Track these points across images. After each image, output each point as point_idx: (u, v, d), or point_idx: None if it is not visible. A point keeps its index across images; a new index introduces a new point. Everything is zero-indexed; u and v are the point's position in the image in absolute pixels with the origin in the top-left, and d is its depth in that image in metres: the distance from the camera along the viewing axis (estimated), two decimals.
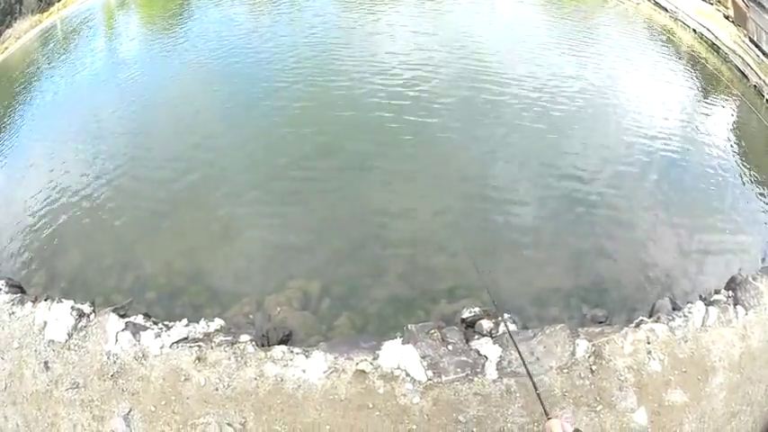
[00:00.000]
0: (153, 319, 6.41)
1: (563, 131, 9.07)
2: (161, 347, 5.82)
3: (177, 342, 5.81)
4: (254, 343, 5.42)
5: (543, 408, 1.64)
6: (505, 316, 5.28)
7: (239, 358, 5.31)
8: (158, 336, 5.99)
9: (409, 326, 5.39)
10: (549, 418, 1.67)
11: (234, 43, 13.62)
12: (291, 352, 5.26)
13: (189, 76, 12.23)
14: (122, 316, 6.31)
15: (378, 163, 8.48)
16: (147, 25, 16.75)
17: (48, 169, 9.93)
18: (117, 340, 6.06)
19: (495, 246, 6.55)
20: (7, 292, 7.85)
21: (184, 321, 6.13)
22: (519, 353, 2.04)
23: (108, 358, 5.96)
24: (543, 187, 7.91)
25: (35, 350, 6.45)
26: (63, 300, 6.66)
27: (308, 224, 7.41)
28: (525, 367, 1.81)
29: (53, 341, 6.33)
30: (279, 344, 5.54)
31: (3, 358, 6.56)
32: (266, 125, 9.87)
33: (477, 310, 5.28)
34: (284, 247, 7.12)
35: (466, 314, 5.32)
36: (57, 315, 6.50)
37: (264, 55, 12.68)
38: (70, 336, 6.32)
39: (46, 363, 6.28)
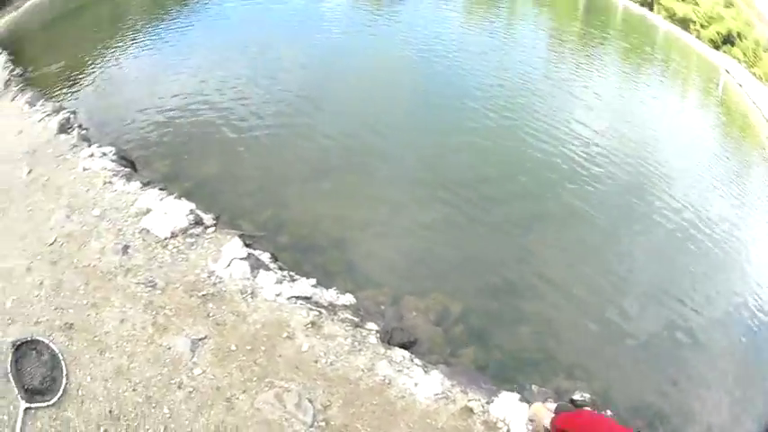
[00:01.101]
0: (280, 263, 6.49)
1: None
2: (277, 294, 5.78)
3: (297, 298, 5.63)
4: (378, 335, 5.36)
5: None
6: (608, 413, 5.50)
7: (356, 343, 5.26)
8: (279, 282, 5.95)
9: (534, 386, 5.47)
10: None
11: (446, 44, 14.63)
12: (412, 361, 5.20)
13: (394, 61, 13.11)
14: (247, 245, 6.38)
15: (564, 217, 8.76)
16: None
17: (217, 80, 11.56)
18: (229, 265, 6.05)
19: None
20: (113, 161, 7.57)
21: (313, 281, 6.07)
22: None
23: (208, 277, 6.00)
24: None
25: (118, 229, 6.95)
26: (183, 199, 7.06)
27: (469, 246, 7.63)
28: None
29: (148, 231, 6.74)
30: (400, 346, 5.42)
31: (70, 217, 6.44)
32: (457, 131, 10.30)
33: (587, 396, 5.55)
34: (437, 257, 7.28)
35: (577, 396, 5.54)
36: (168, 209, 6.70)
37: (473, 65, 13.48)
38: (173, 236, 6.50)
39: (126, 247, 6.24)
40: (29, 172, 8.55)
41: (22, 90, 12.85)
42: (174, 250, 6.34)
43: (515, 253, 7.44)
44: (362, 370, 4.99)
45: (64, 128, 9.10)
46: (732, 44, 42.44)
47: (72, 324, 5.57)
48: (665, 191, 10.05)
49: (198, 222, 6.70)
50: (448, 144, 9.93)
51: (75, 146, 8.56)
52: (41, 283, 6.14)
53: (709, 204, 10.38)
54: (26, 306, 5.96)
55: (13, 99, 12.47)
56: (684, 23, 43.49)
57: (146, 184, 7.43)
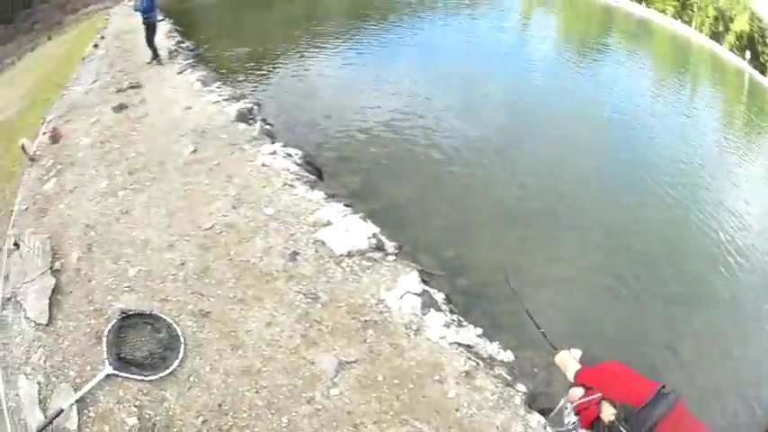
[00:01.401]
0: (452, 306, 8.53)
1: None
2: (441, 337, 7.59)
3: (460, 344, 7.45)
4: (524, 397, 7.10)
5: (550, 343, 2.53)
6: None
7: (501, 401, 6.96)
8: (447, 325, 7.78)
9: None
10: (558, 350, 2.51)
11: (635, 110, 21.86)
12: (545, 429, 6.79)
13: (587, 120, 19.75)
14: (424, 281, 8.40)
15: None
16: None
17: (419, 104, 17.72)
18: (401, 297, 8.01)
19: None
20: (298, 164, 11.37)
21: (479, 330, 8.00)
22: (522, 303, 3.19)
23: (376, 304, 8.02)
24: None
25: (290, 234, 9.44)
26: (368, 220, 9.61)
27: (634, 323, 10.57)
28: (526, 311, 2.91)
29: (323, 244, 8.93)
30: (539, 411, 7.05)
31: (237, 209, 10.29)
32: (639, 204, 15.04)
33: None
34: (601, 330, 9.63)
35: None
36: (350, 227, 9.05)
37: (657, 136, 19.98)
38: (350, 255, 8.76)
39: (295, 253, 8.65)
40: (193, 151, 11.23)
41: (193, 66, 18.10)
42: (348, 269, 8.34)
43: (669, 336, 10.08)
44: (497, 427, 6.62)
45: (244, 117, 12.47)
46: None
47: (208, 313, 7.44)
48: None
49: (379, 247, 8.69)
50: (631, 214, 13.94)
51: (255, 139, 11.22)
52: (183, 264, 8.31)
53: None
54: (155, 281, 8.05)
55: (180, 72, 17.38)
56: None
57: (330, 196, 9.63)
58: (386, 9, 30.38)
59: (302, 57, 19.59)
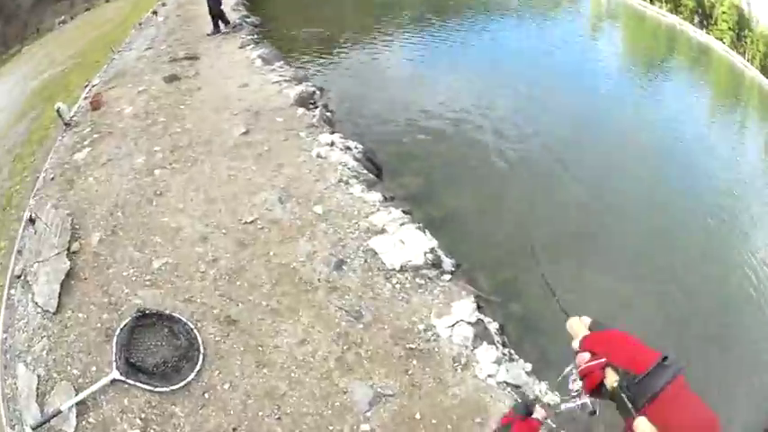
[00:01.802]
0: (505, 338, 8.30)
1: None
2: (490, 375, 7.35)
3: (508, 384, 7.29)
4: None
5: (562, 309, 2.55)
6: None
7: None
8: (498, 362, 7.57)
9: None
10: (569, 317, 2.43)
11: (683, 136, 22.50)
12: None
13: (642, 142, 20.28)
14: (479, 308, 8.22)
15: None
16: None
17: (488, 108, 17.65)
18: (453, 326, 7.82)
19: None
20: (356, 159, 10.92)
21: (529, 366, 7.80)
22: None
23: (425, 330, 7.77)
24: None
25: (339, 238, 9.12)
26: (427, 232, 9.33)
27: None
28: (542, 275, 2.79)
29: (375, 254, 8.67)
30: None
31: (284, 203, 10.02)
32: (684, 231, 15.66)
33: None
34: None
35: None
36: (407, 238, 8.74)
37: (703, 163, 20.98)
38: (402, 270, 8.47)
39: (341, 262, 8.24)
40: (244, 132, 11.14)
41: (256, 42, 17.87)
42: (398, 286, 8.01)
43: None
44: None
45: (305, 101, 12.20)
46: None
47: (236, 321, 7.22)
48: None
49: (435, 264, 8.35)
50: (677, 242, 14.53)
51: (313, 126, 11.04)
52: (214, 260, 8.08)
53: None
54: (181, 277, 7.87)
55: (241, 47, 17.32)
56: None
57: (388, 200, 9.38)
58: (460, 5, 31.49)
59: (372, 46, 19.40)
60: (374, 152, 11.97)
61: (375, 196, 9.58)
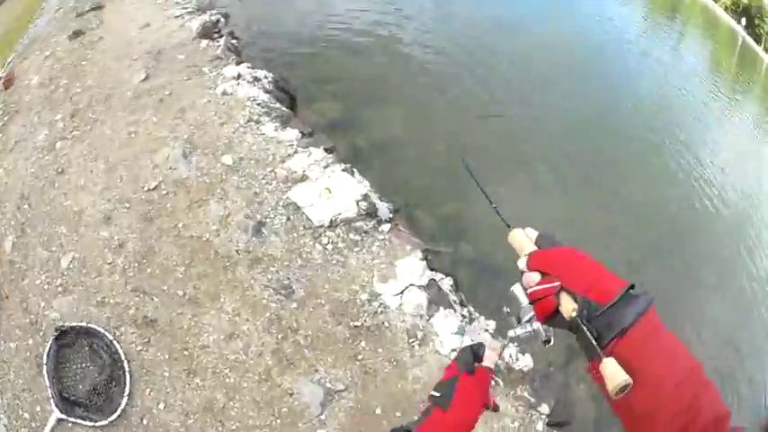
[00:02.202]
0: (462, 294, 6.61)
1: None
2: (453, 350, 5.70)
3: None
4: (547, 419, 5.88)
5: (503, 220, 1.65)
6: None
7: (523, 428, 5.63)
8: (460, 331, 5.94)
9: None
10: (511, 228, 1.58)
11: None
12: None
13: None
14: (430, 267, 6.40)
15: None
16: None
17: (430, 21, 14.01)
18: (401, 293, 5.94)
19: None
20: (267, 91, 7.89)
21: (492, 324, 6.33)
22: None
23: (369, 301, 5.81)
24: None
25: (254, 193, 6.68)
26: (356, 172, 7.02)
27: None
28: (477, 183, 1.89)
29: (297, 209, 6.44)
30: (556, 425, 6.05)
31: (189, 157, 7.33)
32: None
33: None
34: None
35: None
36: (334, 184, 6.64)
37: None
38: (333, 225, 6.30)
39: (261, 224, 6.21)
40: (144, 78, 8.69)
41: None
42: (330, 247, 5.94)
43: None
44: None
45: (208, 31, 9.32)
46: None
47: (154, 321, 5.42)
48: None
49: (370, 213, 6.22)
50: (611, 154, 12.68)
51: (218, 58, 8.59)
52: (121, 246, 6.08)
53: None
54: (89, 273, 6.01)
55: None
56: None
57: (306, 135, 7.10)
58: None
59: None
60: (286, 79, 9.22)
61: (291, 134, 7.24)
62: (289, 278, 5.57)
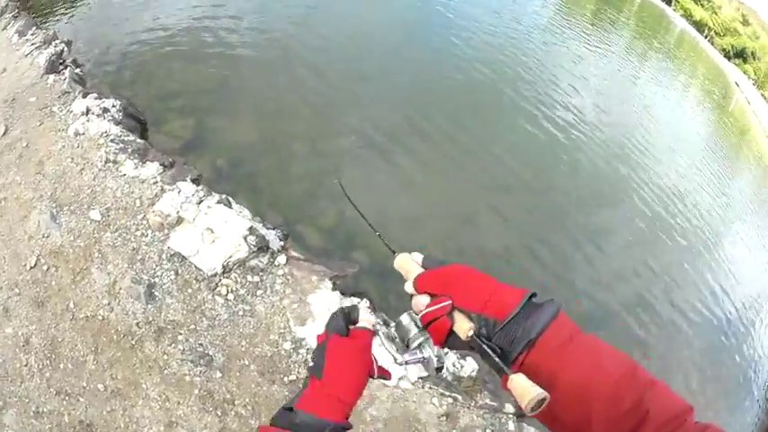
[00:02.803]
0: (385, 317, 4.88)
1: None
2: (400, 378, 4.10)
3: (423, 379, 4.28)
4: (515, 417, 4.70)
5: (387, 246, 1.23)
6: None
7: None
8: (402, 360, 3.89)
9: None
10: (396, 254, 1.16)
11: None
12: None
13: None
14: (341, 292, 4.66)
15: None
16: None
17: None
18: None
19: None
20: (118, 122, 5.47)
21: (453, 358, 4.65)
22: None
23: (294, 348, 4.17)
24: None
25: (133, 249, 4.61)
26: (232, 202, 5.10)
27: None
28: (358, 210, 1.40)
29: (183, 259, 4.46)
30: None
31: (57, 218, 5.26)
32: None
33: None
34: None
35: None
36: (214, 221, 4.67)
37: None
38: (226, 270, 4.45)
39: (151, 286, 4.52)
40: (4, 132, 6.70)
41: (16, 17, 11.06)
42: (231, 297, 4.17)
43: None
44: None
45: (54, 65, 6.87)
46: (744, 60, 53.54)
47: (90, 425, 3.80)
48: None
49: (261, 248, 4.42)
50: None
51: (65, 93, 6.21)
52: (27, 342, 4.38)
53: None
54: (12, 379, 4.20)
55: (4, 28, 10.74)
56: (700, 27, 53.73)
57: (168, 167, 5.01)
58: None
59: None
60: (133, 104, 6.71)
61: (152, 169, 5.25)
62: (201, 344, 4.00)
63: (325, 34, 10.72)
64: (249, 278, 4.26)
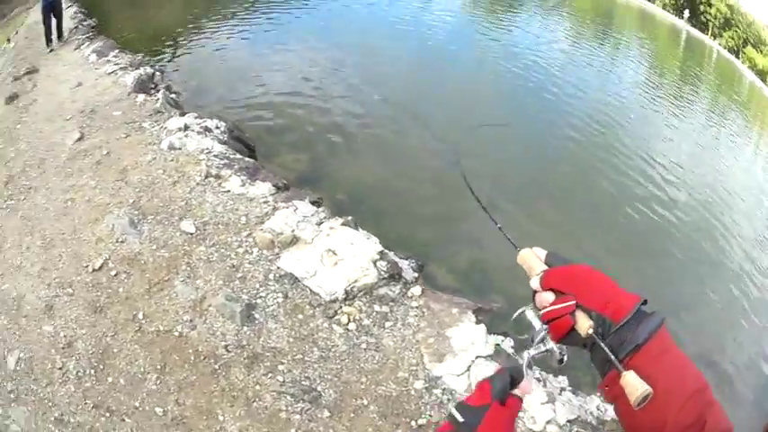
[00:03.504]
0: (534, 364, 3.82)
1: None
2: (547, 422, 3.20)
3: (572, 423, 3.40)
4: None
5: (510, 241, 1.07)
6: None
7: None
8: (551, 399, 3.41)
9: None
10: (518, 249, 1.04)
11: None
12: None
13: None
14: (480, 322, 3.79)
15: None
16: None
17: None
18: (468, 370, 3.41)
19: None
20: (222, 141, 4.91)
21: (583, 398, 3.76)
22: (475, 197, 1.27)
23: (426, 389, 3.37)
24: None
25: (231, 266, 3.93)
26: (359, 227, 4.26)
27: None
28: (478, 200, 1.22)
29: (295, 281, 3.79)
30: None
31: (138, 226, 4.46)
32: None
33: None
34: None
35: None
36: (336, 242, 3.99)
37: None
38: (349, 297, 3.73)
39: (250, 307, 3.72)
40: (78, 138, 6.00)
41: (91, 39, 10.77)
42: (353, 327, 3.37)
43: None
44: None
45: (144, 86, 6.26)
46: None
47: None
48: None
49: (393, 276, 3.65)
50: None
51: (158, 112, 5.69)
52: (70, 345, 3.55)
53: None
54: (39, 380, 3.45)
55: (77, 48, 10.39)
56: (763, 75, 43.64)
57: (282, 189, 4.35)
58: None
59: (207, 31, 11.37)
60: (241, 129, 6.16)
61: (263, 188, 4.44)
62: (308, 377, 3.14)
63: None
64: (377, 308, 3.44)
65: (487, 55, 13.49)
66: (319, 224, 3.88)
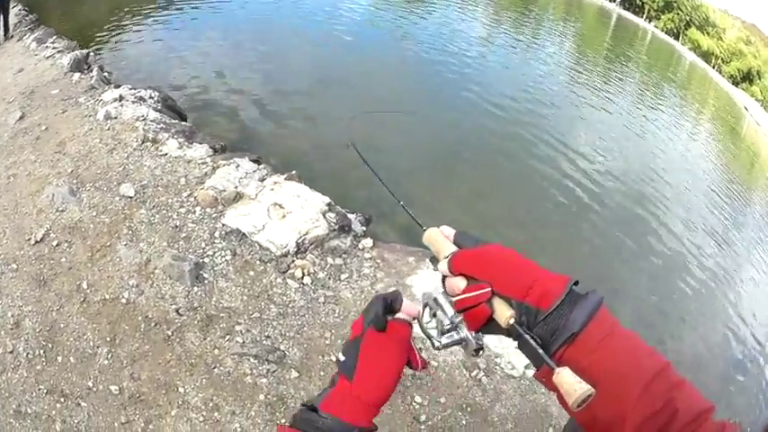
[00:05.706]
0: None
1: None
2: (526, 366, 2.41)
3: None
4: None
5: (415, 220, 0.59)
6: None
7: None
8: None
9: None
10: (425, 229, 0.58)
11: None
12: None
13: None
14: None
15: None
16: None
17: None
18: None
19: None
20: (156, 109, 3.55)
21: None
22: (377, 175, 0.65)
23: None
24: None
25: (175, 227, 2.80)
26: (302, 181, 3.11)
27: None
28: (380, 179, 0.63)
29: (243, 237, 2.74)
30: None
31: (78, 194, 3.15)
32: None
33: None
34: None
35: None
36: (283, 197, 2.91)
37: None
38: (301, 250, 2.74)
39: (198, 266, 2.55)
40: (20, 117, 4.32)
41: (32, 29, 8.19)
42: (308, 281, 2.39)
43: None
44: None
45: (79, 65, 4.61)
46: (751, 82, 35.81)
47: None
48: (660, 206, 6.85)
49: (344, 227, 2.68)
50: None
51: (92, 88, 4.13)
52: (17, 325, 2.29)
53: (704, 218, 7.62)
54: None
55: (20, 39, 7.84)
56: (707, 57, 38.17)
57: (219, 151, 3.14)
58: None
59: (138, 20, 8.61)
60: (173, 99, 4.53)
61: (201, 150, 2.77)
62: (269, 336, 2.10)
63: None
64: (330, 260, 2.47)
65: (403, 42, 10.17)
66: (262, 180, 2.75)
